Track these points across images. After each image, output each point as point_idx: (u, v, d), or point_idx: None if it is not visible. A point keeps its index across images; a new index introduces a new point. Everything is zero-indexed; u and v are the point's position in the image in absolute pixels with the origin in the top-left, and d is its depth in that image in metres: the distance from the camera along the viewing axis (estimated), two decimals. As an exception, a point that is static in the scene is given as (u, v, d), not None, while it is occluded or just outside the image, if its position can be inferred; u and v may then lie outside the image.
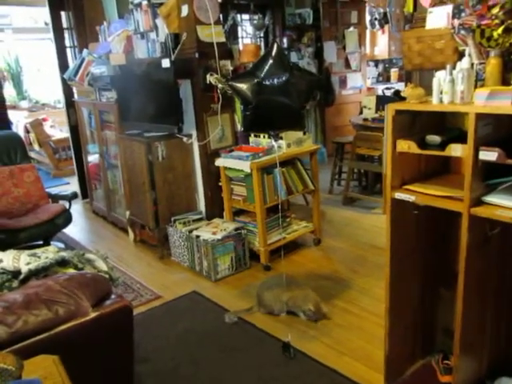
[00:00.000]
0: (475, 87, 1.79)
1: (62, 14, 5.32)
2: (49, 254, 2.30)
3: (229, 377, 2.46)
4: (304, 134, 3.81)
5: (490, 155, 1.67)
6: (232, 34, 5.93)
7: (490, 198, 1.75)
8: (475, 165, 1.70)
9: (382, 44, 7.73)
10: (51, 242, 3.88)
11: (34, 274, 2.16)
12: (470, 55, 1.83)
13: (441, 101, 1.81)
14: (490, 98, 1.65)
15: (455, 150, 1.77)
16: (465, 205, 1.75)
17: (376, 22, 7.59)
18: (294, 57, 6.65)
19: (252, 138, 3.83)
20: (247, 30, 6.64)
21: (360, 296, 3.15)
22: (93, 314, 1.75)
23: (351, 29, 7.07)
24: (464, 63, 1.79)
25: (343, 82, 7.15)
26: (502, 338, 2.14)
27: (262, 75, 2.48)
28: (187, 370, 2.53)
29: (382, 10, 7.46)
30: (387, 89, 6.58)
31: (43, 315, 1.66)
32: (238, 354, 2.64)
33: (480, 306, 1.96)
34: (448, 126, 2.04)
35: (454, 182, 1.91)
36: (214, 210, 3.97)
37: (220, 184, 3.83)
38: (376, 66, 8.03)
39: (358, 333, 2.74)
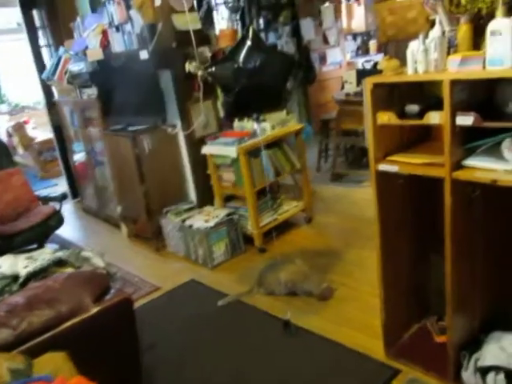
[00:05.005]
0: (448, 54, 1.82)
1: (34, 12, 5.23)
2: (45, 255, 2.33)
3: (234, 357, 2.52)
4: (287, 114, 3.83)
5: (466, 120, 1.71)
6: (208, 19, 5.87)
7: (469, 162, 1.79)
8: (453, 130, 1.74)
9: (358, 16, 7.70)
10: (46, 245, 3.89)
11: (33, 276, 2.19)
12: (440, 23, 1.86)
13: (416, 70, 1.84)
14: (462, 63, 1.69)
15: (433, 117, 1.81)
16: (446, 170, 1.79)
17: (351, -5, 7.58)
18: (272, 37, 6.61)
19: (236, 123, 3.85)
20: (223, 13, 6.58)
21: (354, 268, 3.22)
22: (94, 310, 1.79)
23: (327, 4, 7.02)
24: (435, 31, 1.81)
25: (323, 59, 7.14)
26: (492, 294, 2.21)
27: (241, 60, 2.50)
28: (193, 354, 2.59)
29: (355, -17, 7.45)
30: (367, 61, 6.58)
31: (46, 315, 1.70)
32: (240, 335, 2.71)
33: (468, 265, 2.02)
34: (426, 93, 2.07)
35: (436, 149, 1.94)
36: (205, 197, 3.99)
37: (208, 172, 3.85)
38: (354, 39, 8.01)
39: (355, 304, 2.82)
